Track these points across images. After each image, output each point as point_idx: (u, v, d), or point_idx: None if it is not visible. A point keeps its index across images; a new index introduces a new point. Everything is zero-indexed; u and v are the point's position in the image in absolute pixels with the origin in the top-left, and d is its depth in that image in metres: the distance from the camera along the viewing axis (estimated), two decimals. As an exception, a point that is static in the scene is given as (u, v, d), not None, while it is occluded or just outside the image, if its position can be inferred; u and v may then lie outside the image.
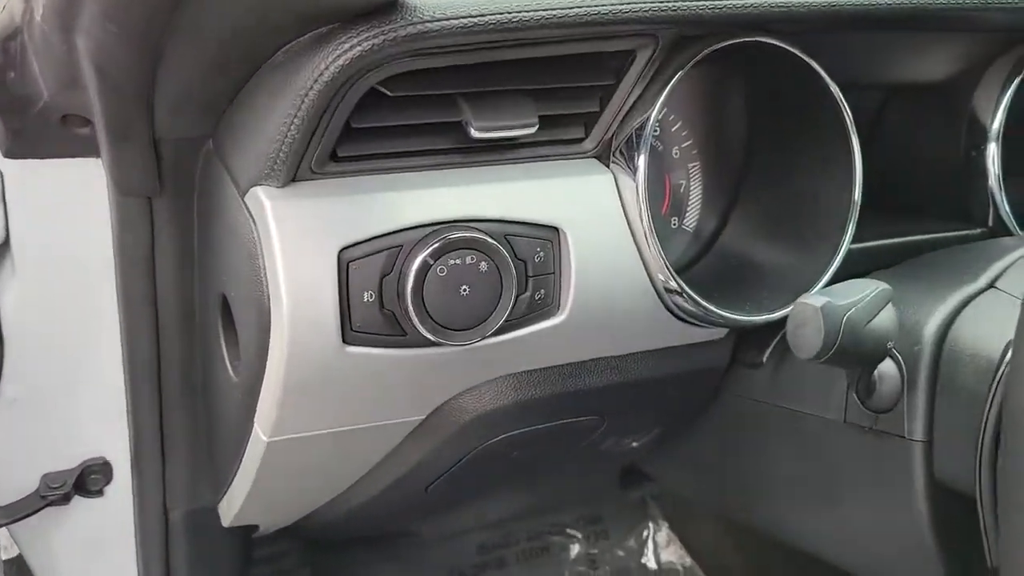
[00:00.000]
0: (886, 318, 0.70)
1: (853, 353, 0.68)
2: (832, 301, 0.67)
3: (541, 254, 0.80)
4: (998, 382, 0.63)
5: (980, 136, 1.03)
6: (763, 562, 1.84)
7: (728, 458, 1.03)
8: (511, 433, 0.92)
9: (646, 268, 0.84)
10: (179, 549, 1.08)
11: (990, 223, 1.03)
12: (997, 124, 1.02)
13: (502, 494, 1.25)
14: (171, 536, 1.06)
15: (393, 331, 0.77)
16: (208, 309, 0.89)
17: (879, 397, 0.81)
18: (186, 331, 0.94)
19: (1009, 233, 1.03)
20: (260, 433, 0.83)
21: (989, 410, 0.64)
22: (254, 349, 0.78)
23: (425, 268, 0.75)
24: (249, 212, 0.76)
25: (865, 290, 0.69)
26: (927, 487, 0.78)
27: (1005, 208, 1.02)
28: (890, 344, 0.71)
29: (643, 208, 0.83)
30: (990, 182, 1.02)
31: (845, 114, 0.91)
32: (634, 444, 1.08)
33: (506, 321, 0.79)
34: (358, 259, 0.74)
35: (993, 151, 1.03)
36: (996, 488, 0.64)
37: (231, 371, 0.87)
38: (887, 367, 0.80)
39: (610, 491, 1.34)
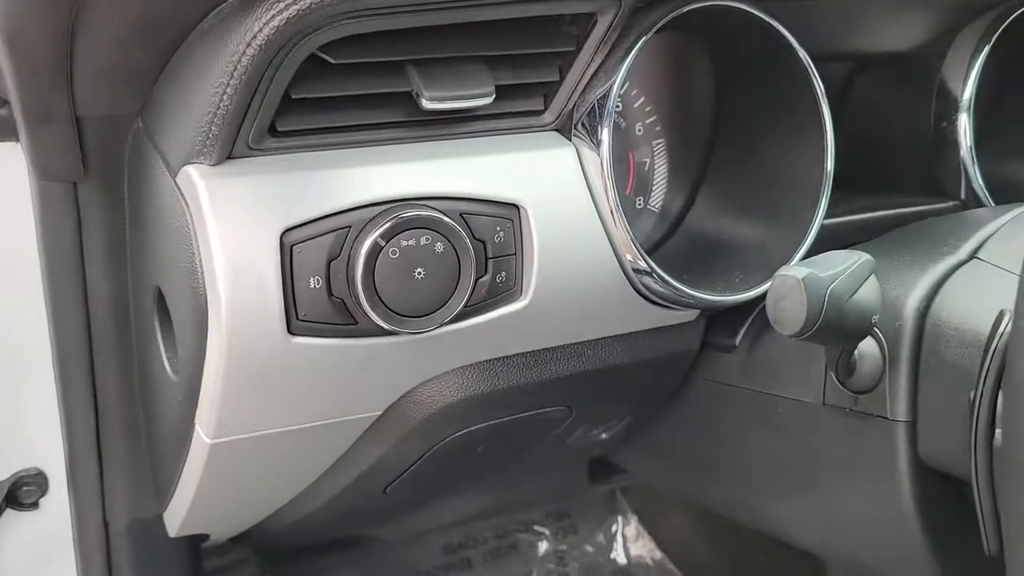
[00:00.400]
0: (870, 290, 0.65)
1: (837, 328, 0.64)
2: (814, 272, 0.62)
3: (501, 234, 0.75)
4: (992, 355, 0.59)
5: (951, 106, 1.00)
6: (734, 553, 1.81)
7: (701, 446, 0.99)
8: (474, 427, 0.87)
9: (613, 247, 0.80)
10: (122, 563, 1.01)
11: (963, 196, 1.00)
12: (968, 94, 0.99)
13: (465, 493, 1.19)
14: (113, 549, 1.00)
15: (343, 320, 0.71)
16: (142, 303, 0.83)
17: (859, 377, 0.77)
18: (120, 327, 0.87)
19: (982, 205, 1.00)
20: (202, 435, 0.77)
21: (983, 385, 0.60)
22: (192, 344, 0.72)
23: (376, 250, 0.69)
24: (181, 193, 0.70)
25: (847, 261, 0.65)
26: (912, 469, 0.75)
27: (978, 180, 0.99)
28: (874, 318, 0.67)
29: (608, 183, 0.78)
30: (962, 153, 0.99)
31: (816, 83, 0.87)
32: (603, 435, 1.03)
33: (465, 306, 0.74)
34: (302, 242, 0.69)
35: (964, 122, 0.99)
36: (993, 468, 0.60)
37: (169, 369, 0.81)
38: (867, 345, 0.76)
39: (578, 485, 1.30)
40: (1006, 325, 0.59)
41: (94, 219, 0.82)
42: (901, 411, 0.74)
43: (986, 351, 0.60)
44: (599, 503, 1.94)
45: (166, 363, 0.81)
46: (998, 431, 0.59)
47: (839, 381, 0.78)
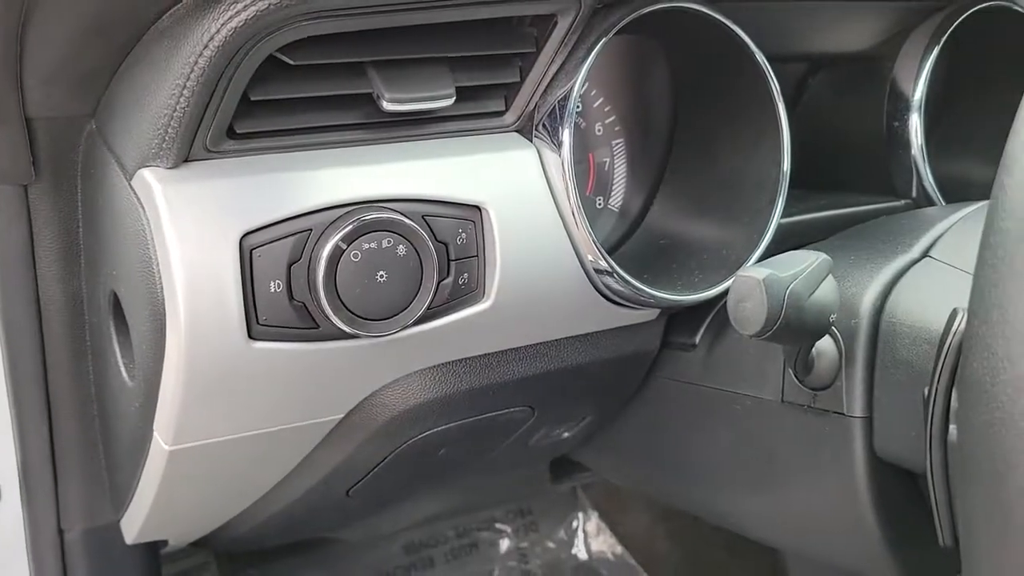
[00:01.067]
0: (828, 290, 0.67)
1: (796, 327, 0.65)
2: (774, 273, 0.63)
3: (463, 236, 0.75)
4: (946, 353, 0.61)
5: (902, 107, 1.02)
6: (694, 547, 1.83)
7: (662, 443, 1.00)
8: (437, 429, 0.87)
9: (574, 248, 0.80)
10: (77, 572, 0.99)
11: (914, 194, 1.03)
12: (919, 94, 1.01)
13: (427, 494, 1.19)
14: (68, 558, 0.98)
15: (304, 324, 0.71)
16: (98, 308, 0.81)
17: (817, 375, 0.78)
18: (74, 332, 0.86)
19: (933, 204, 1.02)
20: (161, 441, 0.75)
21: (937, 382, 0.61)
22: (149, 350, 0.71)
23: (337, 254, 0.69)
24: (137, 197, 0.68)
25: (806, 261, 0.66)
26: (868, 464, 0.76)
27: (929, 179, 1.02)
28: (832, 317, 0.68)
29: (570, 184, 0.79)
30: (913, 152, 1.02)
31: (772, 84, 0.88)
32: (565, 435, 1.04)
33: (428, 309, 0.74)
34: (262, 246, 0.68)
35: (915, 122, 1.02)
36: (947, 462, 0.62)
37: (125, 375, 0.79)
38: (824, 343, 0.77)
39: (540, 484, 1.30)
40: (959, 323, 0.61)
41: (46, 222, 0.80)
42: (857, 407, 0.76)
43: (940, 349, 0.62)
44: (560, 500, 1.95)
45: (122, 369, 0.80)
46: (952, 427, 0.61)
47: (797, 379, 0.80)
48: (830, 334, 0.77)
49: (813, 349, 0.77)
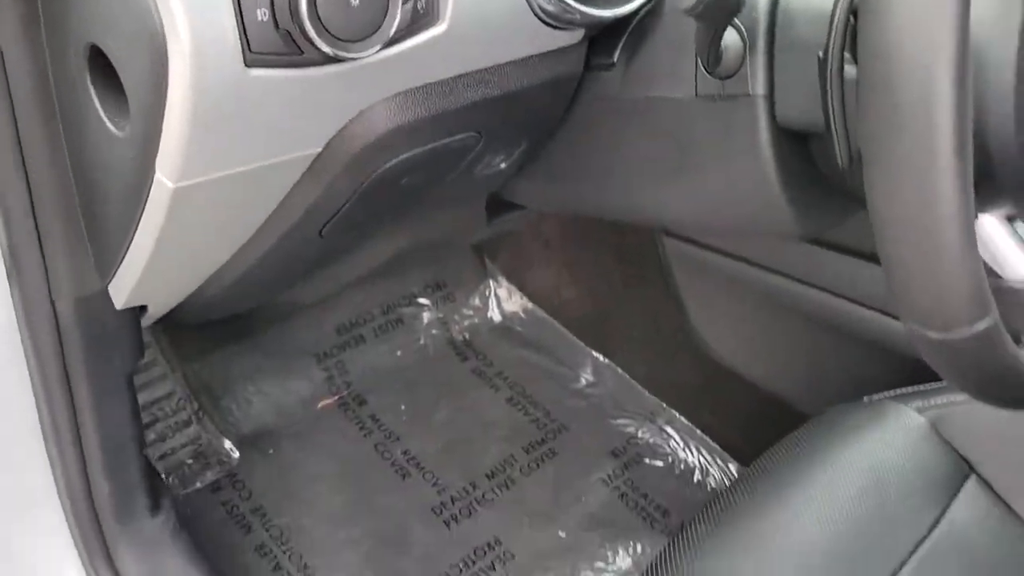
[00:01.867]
0: (741, -27, 0.79)
1: (723, 4, 0.78)
2: (703, -46, 0.75)
3: (417, -38, 0.82)
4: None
5: None
6: (593, 290, 2.03)
7: (587, 160, 1.14)
8: (400, 157, 0.97)
9: (513, -29, 0.89)
10: (72, 343, 1.06)
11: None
12: None
13: (379, 237, 1.30)
14: (62, 329, 1.05)
15: (290, 50, 0.78)
16: (68, 66, 0.85)
17: (725, 65, 0.92)
18: (43, 99, 0.89)
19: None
20: (165, 180, 0.82)
21: (834, 33, 0.76)
22: (149, 91, 0.77)
23: (313, -20, 0.75)
24: (118, -63, 0.72)
25: (724, -54, 0.78)
26: (771, 133, 0.91)
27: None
28: (743, -7, 0.81)
29: (503, -91, 0.87)
30: None
31: None
32: (503, 165, 1.16)
33: (395, 32, 0.82)
34: (244, -25, 0.74)
35: None
36: (844, 97, 0.78)
37: (112, 128, 0.84)
38: (731, 37, 0.91)
39: (478, 223, 1.43)
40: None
41: None
42: (760, 86, 0.90)
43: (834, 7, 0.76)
44: (471, 271, 2.11)
45: (107, 122, 0.84)
46: (848, 66, 0.76)
47: (708, 71, 0.93)
48: (734, 26, 0.90)
49: (722, 44, 0.91)
